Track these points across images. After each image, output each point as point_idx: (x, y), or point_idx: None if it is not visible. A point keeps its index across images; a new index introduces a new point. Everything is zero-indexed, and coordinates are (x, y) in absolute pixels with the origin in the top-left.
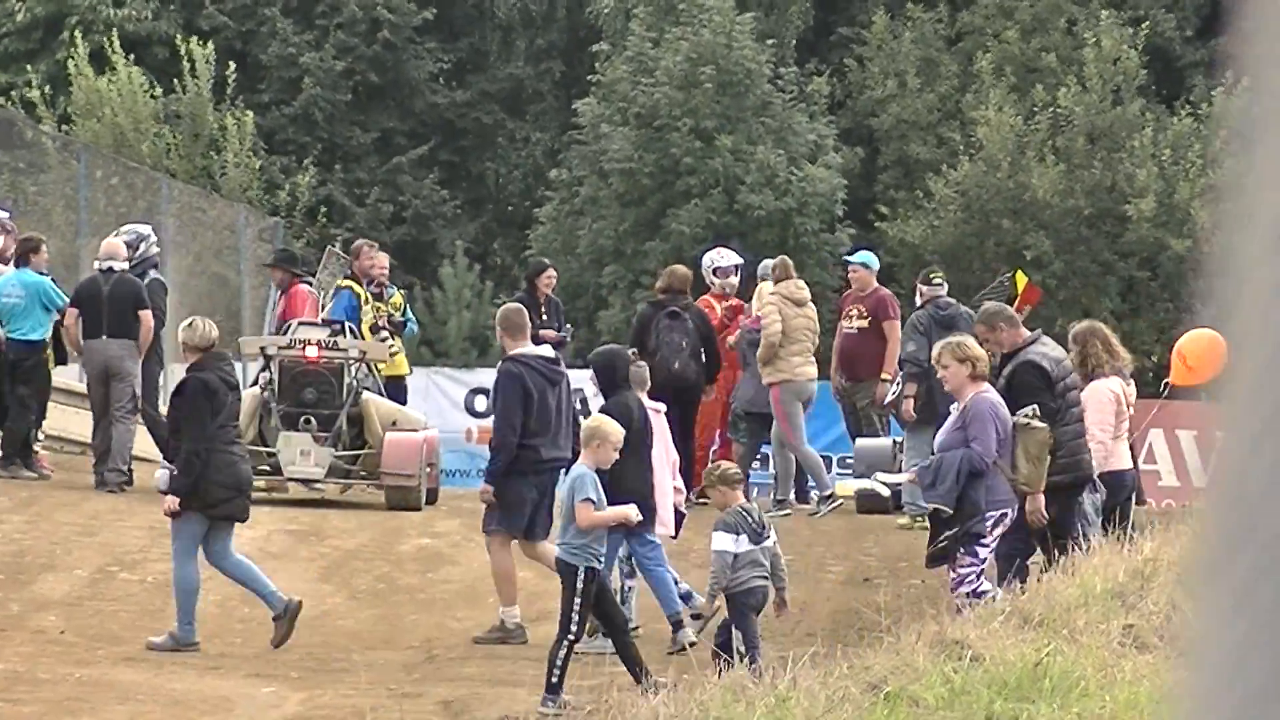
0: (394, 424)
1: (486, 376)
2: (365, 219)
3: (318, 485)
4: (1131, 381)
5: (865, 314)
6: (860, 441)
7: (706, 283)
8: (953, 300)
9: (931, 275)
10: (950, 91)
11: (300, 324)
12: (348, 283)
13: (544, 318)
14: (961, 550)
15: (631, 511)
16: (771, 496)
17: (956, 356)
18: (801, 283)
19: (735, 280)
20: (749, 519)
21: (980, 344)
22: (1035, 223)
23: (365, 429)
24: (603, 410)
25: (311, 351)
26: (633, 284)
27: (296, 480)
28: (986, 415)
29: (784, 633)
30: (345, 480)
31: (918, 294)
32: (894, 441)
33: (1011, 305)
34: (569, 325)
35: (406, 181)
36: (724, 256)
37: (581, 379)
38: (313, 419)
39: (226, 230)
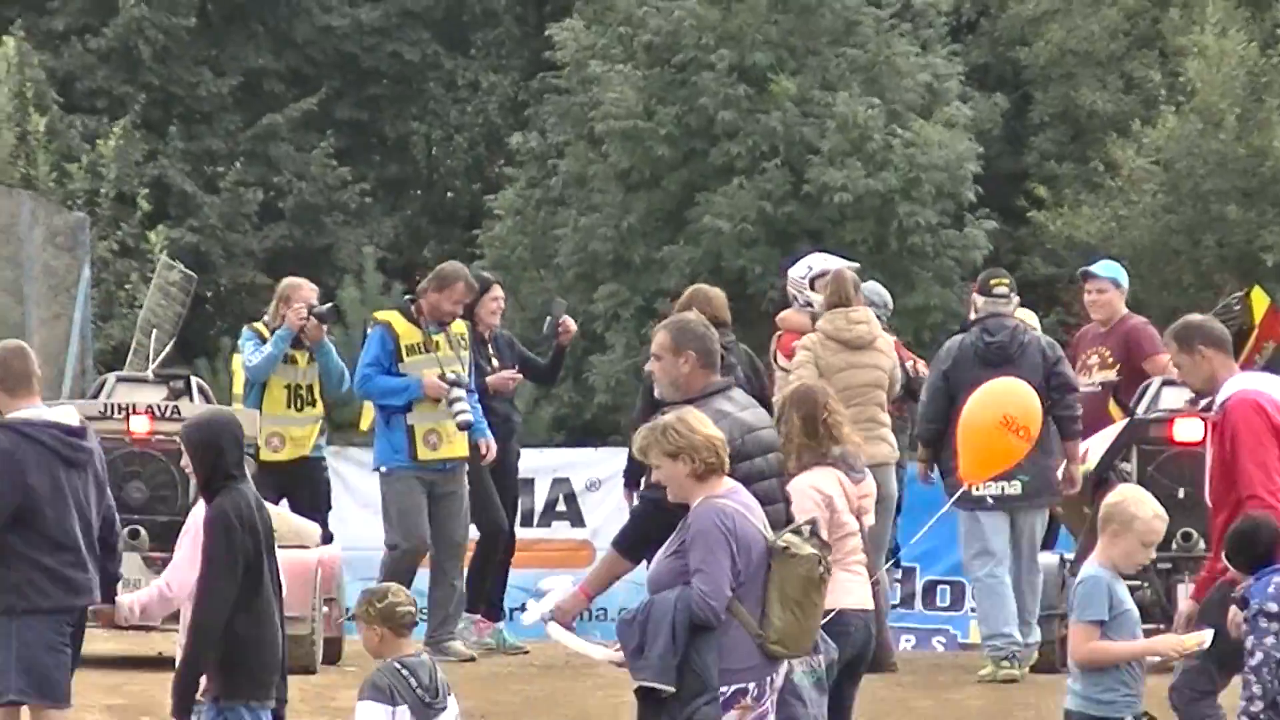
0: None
1: None
2: (221, 212)
3: (155, 632)
4: (866, 473)
5: (1111, 358)
6: None
7: (798, 306)
8: (1014, 323)
9: (994, 283)
10: (1143, 5)
11: (120, 380)
12: (388, 315)
13: (494, 364)
14: None
15: (1195, 639)
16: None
17: (665, 450)
18: (862, 312)
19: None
20: (413, 680)
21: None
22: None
23: None
24: (209, 521)
25: (139, 424)
26: (643, 312)
27: (118, 628)
28: (714, 533)
29: None
30: None
31: (971, 308)
32: (1060, 558)
33: (1247, 338)
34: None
35: (285, 154)
36: (830, 261)
37: (567, 462)
38: (142, 530)
39: None
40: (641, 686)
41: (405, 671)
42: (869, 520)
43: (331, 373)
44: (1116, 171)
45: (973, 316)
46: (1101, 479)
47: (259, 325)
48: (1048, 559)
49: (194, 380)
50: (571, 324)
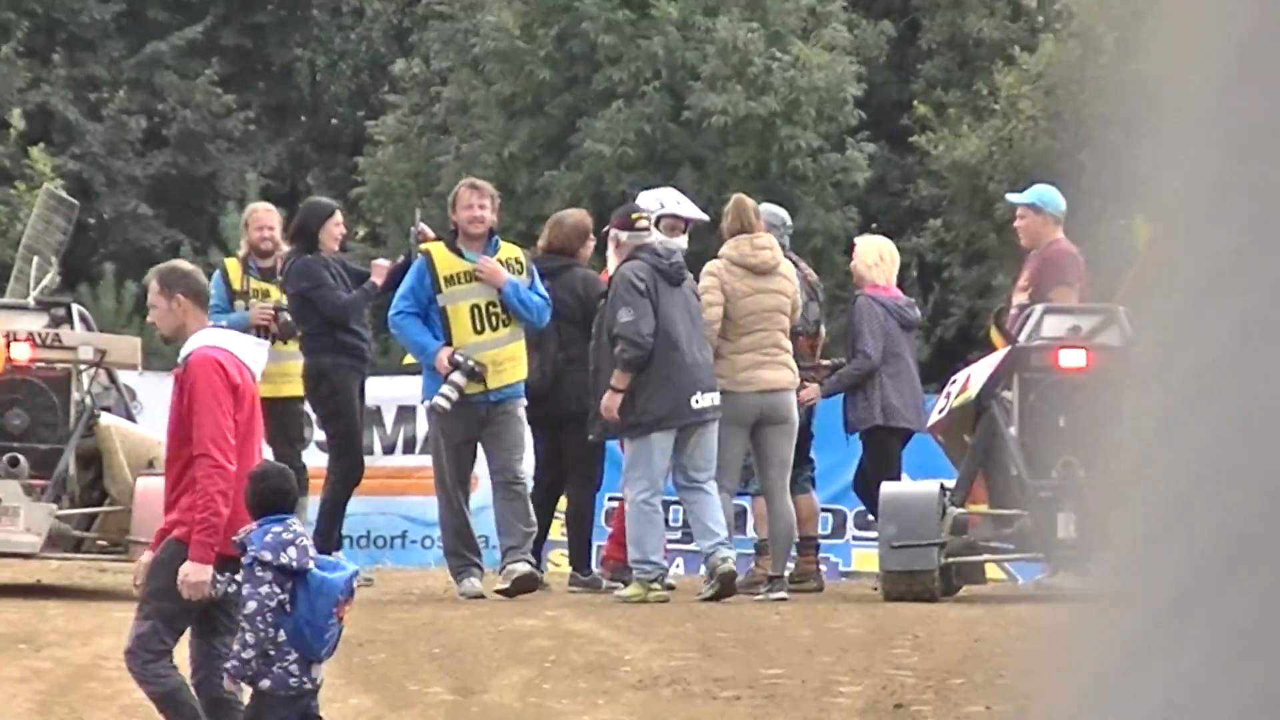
0: (151, 464)
1: None
2: (104, 139)
3: (34, 560)
4: None
5: (1025, 283)
6: (889, 488)
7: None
8: (678, 246)
9: (635, 218)
10: None
11: (0, 307)
12: (429, 245)
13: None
14: None
15: None
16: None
17: None
18: (765, 238)
19: (684, 241)
20: None
21: None
22: None
23: (106, 473)
24: None
25: (20, 351)
26: (527, 238)
27: None
28: None
29: None
30: (76, 555)
31: (611, 242)
32: (940, 486)
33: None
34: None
35: (169, 82)
36: (682, 204)
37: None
38: (21, 459)
39: None
40: None
41: None
42: None
43: None
44: (998, 96)
45: (611, 248)
46: (984, 407)
47: (231, 263)
48: (927, 487)
49: (75, 307)
50: (429, 232)
